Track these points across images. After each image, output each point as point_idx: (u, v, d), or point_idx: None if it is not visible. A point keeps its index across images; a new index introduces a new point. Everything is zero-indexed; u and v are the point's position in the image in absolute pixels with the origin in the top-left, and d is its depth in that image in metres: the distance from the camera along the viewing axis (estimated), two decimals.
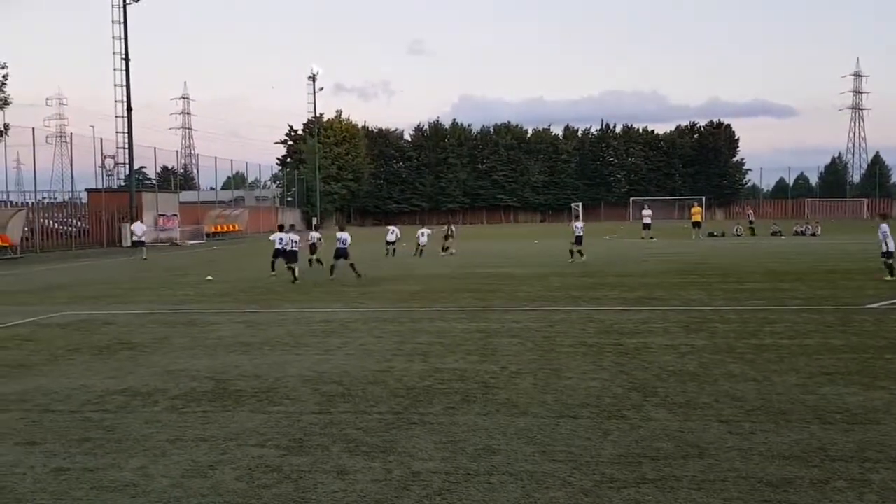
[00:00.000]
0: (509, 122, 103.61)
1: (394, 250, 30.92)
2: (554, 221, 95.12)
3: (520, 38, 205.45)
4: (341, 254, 20.69)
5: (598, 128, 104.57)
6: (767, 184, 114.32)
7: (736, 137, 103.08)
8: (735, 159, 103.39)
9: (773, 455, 5.64)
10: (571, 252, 25.53)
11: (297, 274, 20.39)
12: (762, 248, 32.09)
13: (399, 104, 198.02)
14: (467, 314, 13.42)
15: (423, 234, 30.93)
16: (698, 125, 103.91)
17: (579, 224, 26.61)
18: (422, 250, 30.08)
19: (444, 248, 30.87)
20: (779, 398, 7.24)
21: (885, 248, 17.86)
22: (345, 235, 20.91)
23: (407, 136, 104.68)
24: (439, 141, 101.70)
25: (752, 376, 8.17)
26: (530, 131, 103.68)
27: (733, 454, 5.66)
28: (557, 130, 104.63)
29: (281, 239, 21.14)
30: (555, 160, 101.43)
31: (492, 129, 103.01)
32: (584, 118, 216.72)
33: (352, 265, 20.70)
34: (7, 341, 11.59)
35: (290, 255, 20.77)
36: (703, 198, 69.36)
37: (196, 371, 9.02)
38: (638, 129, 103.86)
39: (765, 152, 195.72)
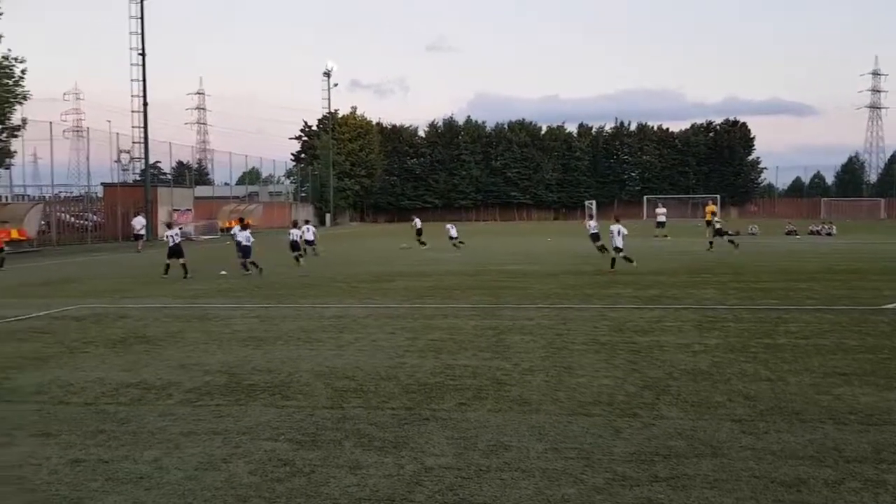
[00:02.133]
0: (523, 120, 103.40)
1: (459, 242, 32.70)
2: (567, 219, 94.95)
3: (537, 35, 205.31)
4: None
5: (613, 125, 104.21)
6: (783, 183, 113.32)
7: (752, 136, 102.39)
8: (750, 158, 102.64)
9: (787, 455, 5.61)
10: (602, 249, 24.92)
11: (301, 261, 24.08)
12: (777, 248, 31.88)
13: (415, 101, 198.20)
14: (479, 311, 13.42)
15: (451, 227, 33.64)
16: (714, 123, 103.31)
17: (592, 223, 25.88)
18: (456, 243, 32.46)
19: (422, 243, 34.05)
20: (793, 398, 7.21)
21: None
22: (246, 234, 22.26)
23: (421, 133, 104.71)
24: (453, 138, 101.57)
25: (766, 376, 8.13)
26: (544, 129, 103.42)
27: (746, 453, 5.64)
28: (572, 128, 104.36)
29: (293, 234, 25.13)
30: (568, 158, 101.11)
31: (506, 127, 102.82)
32: (599, 116, 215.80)
33: (251, 263, 21.54)
34: (23, 333, 11.70)
35: (294, 246, 25.04)
36: (718, 196, 68.93)
37: (210, 365, 9.07)
38: (652, 127, 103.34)
39: (781, 151, 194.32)
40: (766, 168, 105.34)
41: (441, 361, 9.09)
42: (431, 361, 9.10)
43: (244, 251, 21.80)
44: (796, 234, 43.21)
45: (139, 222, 39.30)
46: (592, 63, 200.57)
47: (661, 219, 43.72)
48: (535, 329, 11.35)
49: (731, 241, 29.20)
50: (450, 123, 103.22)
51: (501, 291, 16.42)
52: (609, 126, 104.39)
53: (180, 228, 24.76)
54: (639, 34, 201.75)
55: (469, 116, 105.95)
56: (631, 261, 21.16)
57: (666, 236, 40.42)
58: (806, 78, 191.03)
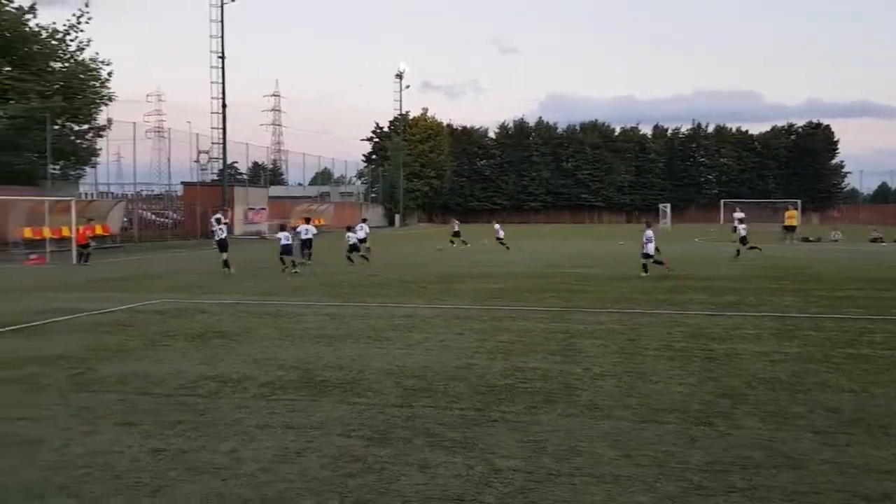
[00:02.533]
0: (596, 121, 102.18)
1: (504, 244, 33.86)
2: (640, 222, 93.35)
3: (611, 35, 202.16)
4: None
5: (689, 127, 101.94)
6: (868, 188, 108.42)
7: (835, 139, 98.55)
8: (833, 161, 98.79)
9: (871, 469, 5.38)
10: (645, 267, 20.71)
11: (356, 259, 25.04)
12: (861, 255, 30.58)
13: (486, 102, 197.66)
14: (550, 314, 13.32)
15: (499, 228, 35.82)
16: (795, 126, 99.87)
17: (649, 232, 21.25)
18: (503, 242, 33.83)
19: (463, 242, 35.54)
20: (877, 411, 6.90)
21: None
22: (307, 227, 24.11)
23: (491, 135, 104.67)
24: (523, 139, 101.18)
25: (849, 387, 7.81)
26: (617, 130, 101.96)
27: (827, 467, 5.43)
28: (646, 129, 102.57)
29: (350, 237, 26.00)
30: (642, 160, 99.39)
31: (578, 128, 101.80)
32: (675, 117, 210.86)
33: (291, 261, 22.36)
34: (108, 326, 12.19)
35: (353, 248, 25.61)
36: (799, 201, 66.62)
37: (283, 360, 9.27)
38: (731, 129, 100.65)
39: (866, 155, 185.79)
40: (849, 172, 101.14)
41: (510, 363, 9.05)
42: (501, 363, 9.07)
43: (284, 249, 22.60)
44: (882, 242, 41.33)
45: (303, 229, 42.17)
46: (668, 63, 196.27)
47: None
48: (606, 333, 11.19)
49: (754, 247, 27.81)
50: (520, 125, 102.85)
51: (572, 295, 16.25)
52: (685, 128, 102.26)
53: (227, 224, 25.62)
54: (717, 33, 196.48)
55: (540, 117, 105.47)
56: (661, 262, 20.59)
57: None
58: (894, 80, 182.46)
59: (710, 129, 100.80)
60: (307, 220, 25.80)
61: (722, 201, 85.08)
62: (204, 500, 4.84)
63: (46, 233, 31.71)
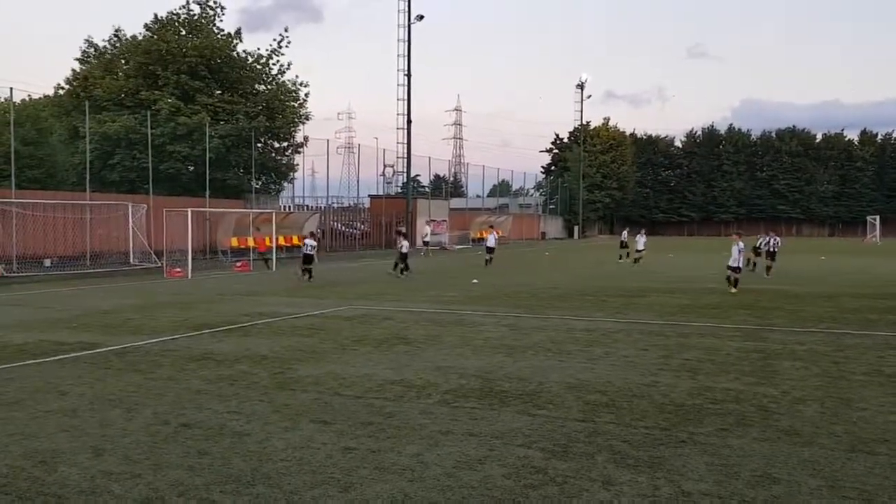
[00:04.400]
0: (794, 127, 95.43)
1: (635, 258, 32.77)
2: (845, 235, 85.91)
3: (811, 36, 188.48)
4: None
5: None
6: None
7: None
8: None
9: None
10: (736, 281, 19.37)
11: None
12: None
13: (673, 110, 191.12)
14: (742, 332, 12.56)
15: (640, 237, 33.47)
16: None
17: (742, 244, 19.80)
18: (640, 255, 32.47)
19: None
20: None
21: None
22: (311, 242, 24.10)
23: (678, 143, 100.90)
24: (713, 147, 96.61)
25: None
26: (819, 136, 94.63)
27: None
28: (852, 135, 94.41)
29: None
30: (848, 168, 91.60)
31: (773, 135, 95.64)
32: (888, 122, 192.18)
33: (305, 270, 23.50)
34: (303, 329, 13.03)
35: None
36: None
37: (464, 369, 9.43)
38: None
39: None
40: None
41: (698, 383, 8.63)
42: (688, 382, 8.68)
43: (305, 259, 23.96)
44: None
45: (427, 231, 45.74)
46: (881, 63, 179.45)
47: None
48: (807, 355, 10.37)
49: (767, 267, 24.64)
50: (710, 132, 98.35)
51: (768, 312, 15.24)
52: None
53: (317, 240, 26.55)
54: None
55: (731, 124, 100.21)
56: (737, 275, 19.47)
57: None
58: None
59: None
60: (312, 235, 26.18)
61: None
62: (391, 499, 5.02)
63: (250, 242, 34.54)
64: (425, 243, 45.20)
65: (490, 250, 32.00)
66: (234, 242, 34.86)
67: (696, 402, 7.71)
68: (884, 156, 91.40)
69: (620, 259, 34.53)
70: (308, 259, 23.69)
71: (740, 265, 19.50)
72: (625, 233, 37.79)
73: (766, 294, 19.00)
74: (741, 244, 19.89)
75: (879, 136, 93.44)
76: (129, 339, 11.95)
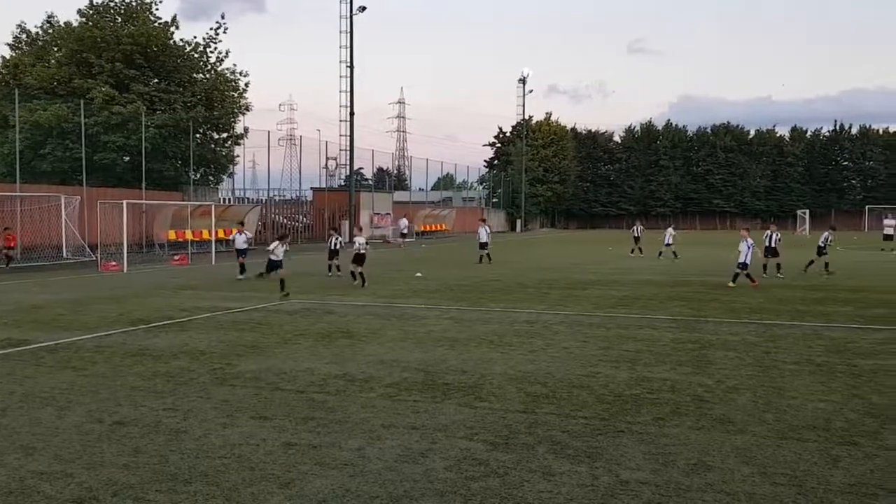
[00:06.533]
0: (728, 123, 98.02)
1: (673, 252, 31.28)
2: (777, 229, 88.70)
3: (748, 34, 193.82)
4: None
5: (830, 129, 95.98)
6: None
7: None
8: None
9: None
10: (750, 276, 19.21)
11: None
12: None
13: (613, 105, 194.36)
14: (679, 323, 12.87)
15: (670, 234, 32.04)
16: None
17: (751, 241, 19.81)
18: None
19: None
20: None
21: None
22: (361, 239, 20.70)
23: (617, 138, 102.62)
24: (651, 143, 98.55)
25: None
26: (752, 132, 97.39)
27: None
28: (783, 131, 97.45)
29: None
30: (779, 163, 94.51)
31: (709, 131, 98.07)
32: (817, 119, 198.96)
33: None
34: (243, 324, 12.83)
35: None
36: None
37: (407, 362, 9.43)
38: (877, 131, 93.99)
39: None
40: None
41: (637, 373, 8.81)
42: (626, 372, 8.85)
43: (248, 258, 22.48)
44: None
45: (404, 223, 47.90)
46: (812, 62, 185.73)
47: (890, 231, 39.62)
48: (740, 345, 10.69)
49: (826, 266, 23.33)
50: (648, 128, 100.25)
51: (703, 304, 15.64)
52: (827, 129, 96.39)
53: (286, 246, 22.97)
54: (863, 30, 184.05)
55: (669, 120, 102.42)
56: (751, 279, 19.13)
57: (893, 250, 36.55)
58: None
59: (855, 130, 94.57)
60: (241, 225, 24.98)
61: (867, 207, 79.66)
62: (332, 494, 4.98)
63: (188, 235, 33.83)
64: (402, 235, 46.98)
65: (483, 246, 28.89)
66: (172, 235, 34.09)
67: (634, 392, 7.87)
68: (813, 151, 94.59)
69: (632, 253, 33.10)
70: (274, 265, 18.86)
71: (748, 261, 19.21)
72: (636, 227, 36.12)
73: (704, 285, 19.50)
74: (750, 240, 19.60)
75: (809, 133, 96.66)
76: (61, 335, 11.57)
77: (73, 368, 9.08)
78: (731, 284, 19.29)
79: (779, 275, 21.37)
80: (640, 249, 33.36)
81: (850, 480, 5.26)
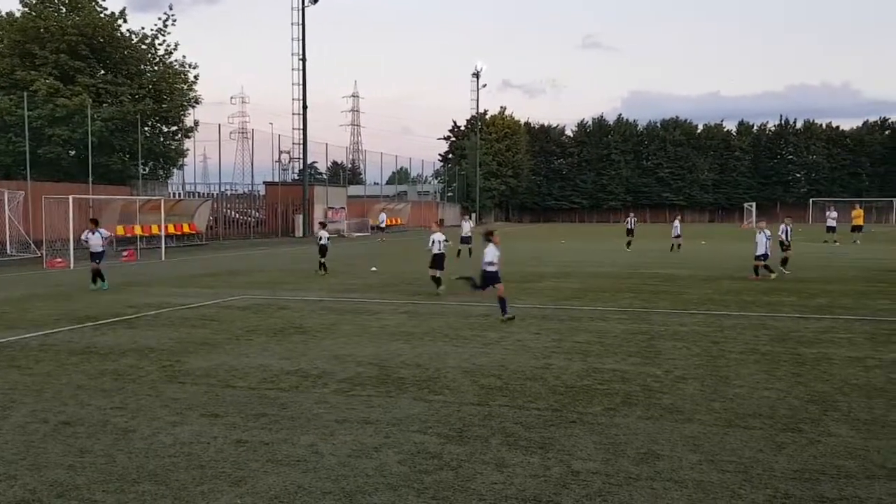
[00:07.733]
0: (677, 118, 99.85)
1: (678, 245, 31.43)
2: (723, 222, 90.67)
3: (699, 30, 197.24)
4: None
5: (776, 123, 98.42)
6: None
7: None
8: None
9: None
10: (768, 268, 19.17)
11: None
12: None
13: (566, 100, 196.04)
14: (629, 315, 13.07)
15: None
16: (890, 120, 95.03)
17: (768, 232, 19.45)
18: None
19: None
20: None
21: None
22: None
23: (569, 133, 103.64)
24: (602, 137, 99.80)
25: None
26: (700, 127, 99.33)
27: None
28: (731, 126, 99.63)
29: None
30: (727, 157, 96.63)
31: (659, 125, 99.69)
32: (763, 114, 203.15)
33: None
34: (194, 320, 12.63)
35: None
36: (863, 201, 62.57)
37: (362, 357, 9.39)
38: (821, 125, 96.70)
39: None
40: None
41: (588, 364, 8.93)
42: (578, 364, 8.96)
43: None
44: None
45: (382, 218, 49.27)
46: (758, 58, 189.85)
47: (832, 223, 40.76)
48: (688, 335, 10.91)
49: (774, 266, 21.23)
50: (599, 122, 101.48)
51: (653, 295, 15.91)
52: (772, 124, 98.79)
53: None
54: (809, 27, 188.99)
55: (620, 115, 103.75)
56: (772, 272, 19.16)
57: (836, 242, 37.67)
58: None
59: (799, 125, 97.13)
60: (95, 223, 18.80)
61: (811, 200, 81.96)
62: (284, 491, 4.94)
63: (137, 230, 33.14)
64: (381, 229, 48.53)
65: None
66: (120, 230, 33.36)
67: (586, 383, 7.98)
68: (759, 146, 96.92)
69: (629, 247, 32.66)
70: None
71: (768, 252, 19.05)
72: (629, 218, 35.57)
73: (653, 277, 19.83)
74: (767, 232, 19.37)
75: (755, 127, 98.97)
76: (4, 333, 11.25)
77: (18, 367, 8.84)
78: (753, 276, 19.03)
79: (785, 270, 20.65)
80: (628, 244, 33.19)
81: (795, 466, 5.41)
